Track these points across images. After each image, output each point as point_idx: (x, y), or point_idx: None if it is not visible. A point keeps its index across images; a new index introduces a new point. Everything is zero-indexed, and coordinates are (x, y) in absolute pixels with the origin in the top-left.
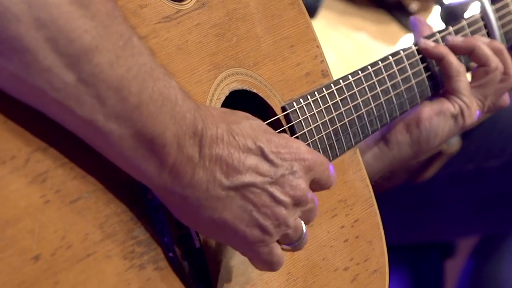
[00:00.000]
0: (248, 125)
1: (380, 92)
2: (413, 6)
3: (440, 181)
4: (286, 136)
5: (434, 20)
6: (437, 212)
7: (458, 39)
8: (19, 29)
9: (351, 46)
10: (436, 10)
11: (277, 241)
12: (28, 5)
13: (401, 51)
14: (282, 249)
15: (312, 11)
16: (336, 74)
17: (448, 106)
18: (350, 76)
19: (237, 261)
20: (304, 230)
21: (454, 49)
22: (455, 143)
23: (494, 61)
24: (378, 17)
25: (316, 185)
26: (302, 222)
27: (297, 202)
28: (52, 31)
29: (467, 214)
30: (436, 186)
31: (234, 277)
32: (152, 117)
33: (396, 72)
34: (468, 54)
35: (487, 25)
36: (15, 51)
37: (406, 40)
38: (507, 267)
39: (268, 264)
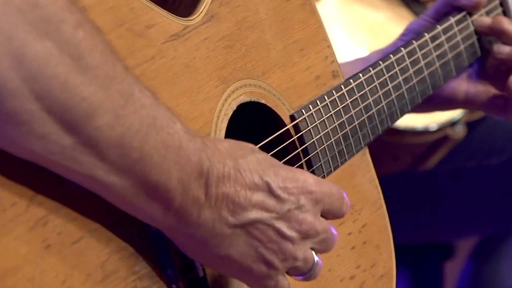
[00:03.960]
0: (255, 159)
1: (391, 89)
2: None
3: (441, 177)
4: (294, 168)
5: None
6: (437, 212)
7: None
8: (14, 104)
9: (363, 25)
10: None
11: (287, 273)
12: (22, 80)
13: (414, 41)
14: (296, 280)
15: None
16: (345, 51)
17: None
18: (361, 75)
19: None
20: (316, 259)
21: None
22: (460, 130)
23: None
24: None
25: (328, 215)
26: (313, 252)
27: (305, 236)
28: (48, 102)
29: (467, 213)
30: (436, 182)
31: None
32: (156, 167)
33: (409, 64)
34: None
35: (503, 4)
36: (10, 124)
37: None
38: (506, 269)
39: None
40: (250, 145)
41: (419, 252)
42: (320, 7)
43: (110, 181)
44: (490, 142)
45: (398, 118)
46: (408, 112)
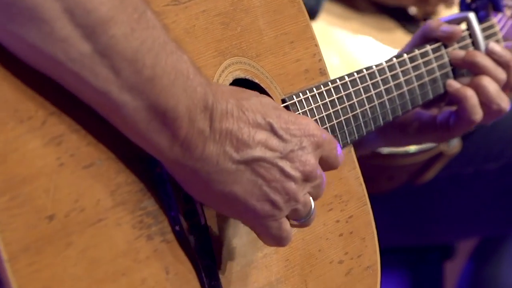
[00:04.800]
0: (258, 101)
1: (374, 95)
2: (412, 9)
3: (440, 183)
4: (296, 114)
5: None
6: (436, 214)
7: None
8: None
9: (352, 49)
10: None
11: (286, 217)
12: None
13: (394, 58)
14: (291, 224)
15: (312, 13)
16: (338, 76)
17: None
18: (346, 77)
19: (239, 242)
20: (313, 206)
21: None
22: (455, 145)
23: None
24: (381, 22)
25: (324, 163)
26: (311, 198)
27: (307, 178)
28: (69, 2)
29: (466, 216)
30: (435, 188)
31: (235, 257)
32: (165, 90)
33: (389, 77)
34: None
35: (474, 43)
36: (33, 21)
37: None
38: (507, 270)
39: (276, 239)
40: (253, 91)
41: (419, 252)
42: None
43: (123, 100)
44: (487, 148)
45: (380, 125)
46: (390, 121)
